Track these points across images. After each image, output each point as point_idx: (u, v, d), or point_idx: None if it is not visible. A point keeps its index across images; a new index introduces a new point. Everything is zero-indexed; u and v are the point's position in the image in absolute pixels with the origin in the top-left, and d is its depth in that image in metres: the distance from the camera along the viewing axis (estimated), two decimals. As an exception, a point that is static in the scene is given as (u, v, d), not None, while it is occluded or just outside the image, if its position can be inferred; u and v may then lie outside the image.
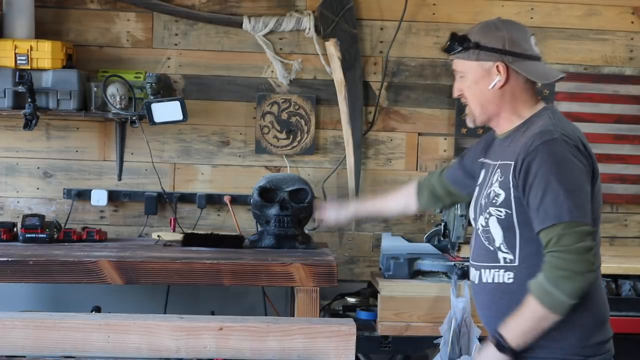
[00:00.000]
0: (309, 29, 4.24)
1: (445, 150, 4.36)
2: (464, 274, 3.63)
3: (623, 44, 4.39)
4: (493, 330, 2.45)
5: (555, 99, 4.33)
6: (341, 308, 4.00)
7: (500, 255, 2.45)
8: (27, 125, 3.87)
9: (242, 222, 4.25)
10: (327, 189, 4.32)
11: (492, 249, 2.47)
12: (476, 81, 2.53)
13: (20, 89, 3.86)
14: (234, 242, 3.87)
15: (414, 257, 3.73)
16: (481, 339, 3.53)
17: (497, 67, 2.50)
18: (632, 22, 4.38)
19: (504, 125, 2.56)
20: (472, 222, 2.62)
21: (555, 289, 2.30)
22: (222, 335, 2.17)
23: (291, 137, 4.31)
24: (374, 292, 3.89)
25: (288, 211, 3.85)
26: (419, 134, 4.36)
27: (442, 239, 3.88)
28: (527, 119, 2.51)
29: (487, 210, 2.46)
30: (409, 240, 4.16)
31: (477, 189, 2.61)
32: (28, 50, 3.93)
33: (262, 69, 4.31)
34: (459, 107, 4.31)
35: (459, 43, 2.53)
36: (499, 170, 2.47)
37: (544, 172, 2.34)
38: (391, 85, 4.35)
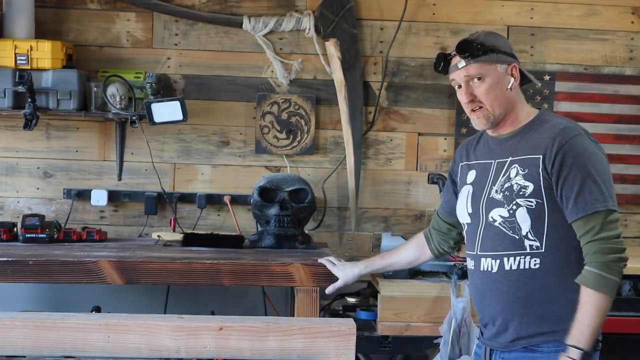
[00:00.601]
0: (309, 29, 4.24)
1: (445, 150, 4.36)
2: (464, 274, 3.63)
3: (623, 44, 4.39)
4: (509, 316, 2.66)
5: (555, 99, 4.33)
6: (341, 308, 4.00)
7: (527, 242, 2.62)
8: (27, 125, 3.87)
9: (242, 222, 4.25)
10: (327, 189, 4.32)
11: (517, 237, 2.63)
12: (497, 82, 2.69)
13: (20, 89, 3.86)
14: (234, 242, 3.87)
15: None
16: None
17: (512, 69, 2.71)
18: (632, 22, 4.38)
19: (509, 125, 2.73)
20: (471, 217, 2.76)
21: (609, 274, 2.53)
22: (222, 335, 2.17)
23: (291, 137, 4.31)
24: (374, 292, 3.89)
25: (288, 211, 3.85)
26: (419, 134, 4.36)
27: (442, 239, 3.88)
28: (534, 117, 2.72)
29: (514, 202, 2.62)
30: (409, 240, 4.15)
31: (470, 187, 2.78)
32: (28, 50, 3.93)
33: (262, 69, 4.31)
34: (459, 107, 4.30)
35: (479, 48, 2.67)
36: (516, 165, 2.64)
37: (579, 164, 2.56)
38: (391, 85, 4.35)
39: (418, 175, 4.36)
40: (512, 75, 2.71)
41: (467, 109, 2.73)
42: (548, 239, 2.61)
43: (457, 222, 2.96)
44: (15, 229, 3.90)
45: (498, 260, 2.66)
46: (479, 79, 2.68)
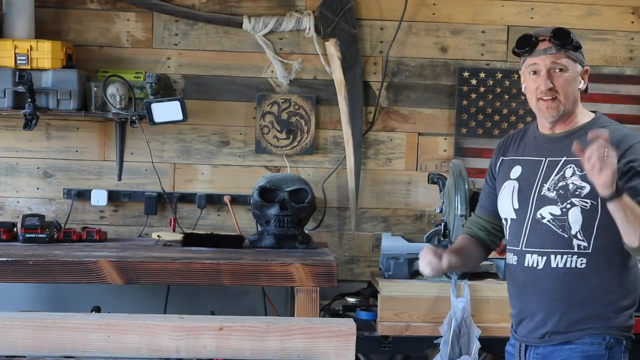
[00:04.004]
0: (309, 29, 4.24)
1: (445, 150, 4.36)
2: (464, 274, 3.63)
3: (623, 44, 4.39)
4: (550, 313, 2.68)
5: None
6: (341, 308, 4.00)
7: (575, 242, 2.66)
8: (27, 125, 3.87)
9: (242, 222, 4.25)
10: (327, 189, 4.32)
11: (566, 236, 2.66)
12: (574, 79, 2.73)
13: (20, 89, 3.86)
14: (234, 242, 3.87)
15: (414, 257, 3.71)
16: (481, 339, 3.53)
17: (585, 72, 2.79)
18: (632, 22, 4.38)
19: (566, 124, 2.75)
20: (517, 213, 2.75)
21: None
22: (222, 335, 2.17)
23: (291, 137, 4.31)
24: (374, 292, 3.89)
25: (288, 211, 3.85)
26: (419, 134, 4.36)
27: (442, 239, 3.87)
28: (592, 120, 2.77)
29: (568, 201, 2.65)
30: (409, 240, 4.15)
31: (515, 183, 2.78)
32: (28, 50, 3.93)
33: (262, 69, 4.31)
34: (459, 107, 4.31)
35: (572, 41, 2.70)
36: (572, 165, 2.66)
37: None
38: (391, 85, 4.35)
39: (418, 175, 4.36)
40: (583, 78, 2.78)
41: (539, 95, 2.71)
42: (596, 240, 2.65)
43: (500, 220, 2.89)
44: (15, 229, 3.90)
45: (545, 257, 2.68)
46: (561, 70, 2.70)
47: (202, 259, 3.49)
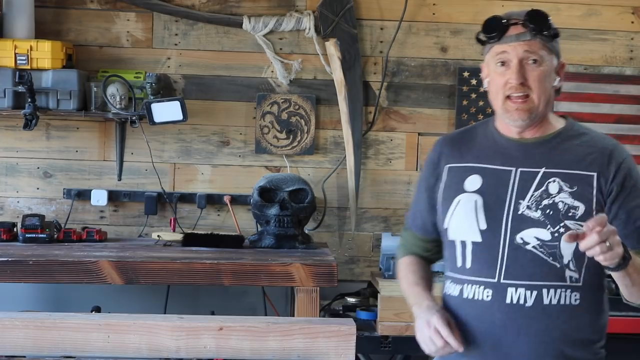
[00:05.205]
0: (309, 29, 4.24)
1: (445, 150, 4.35)
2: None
3: (623, 44, 4.39)
4: (538, 359, 2.24)
5: (555, 99, 4.31)
6: (341, 308, 4.00)
7: (568, 273, 2.23)
8: (27, 125, 3.87)
9: (242, 222, 4.25)
10: (327, 189, 4.32)
11: (558, 266, 2.23)
12: (549, 74, 2.29)
13: (20, 89, 3.86)
14: (234, 242, 3.87)
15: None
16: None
17: (562, 67, 2.35)
18: (632, 22, 4.38)
19: (537, 129, 2.32)
20: (484, 235, 2.27)
21: None
22: (222, 335, 2.17)
23: (291, 137, 4.31)
24: (374, 292, 3.89)
25: (288, 211, 3.85)
26: (419, 134, 4.36)
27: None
28: (566, 126, 2.35)
29: (561, 224, 2.21)
30: (409, 240, 4.15)
31: (477, 197, 2.29)
32: (28, 50, 3.93)
33: (262, 69, 4.31)
34: (459, 107, 4.31)
35: (550, 27, 2.28)
36: (557, 180, 2.25)
37: (639, 184, 2.27)
38: (391, 85, 4.35)
39: (418, 175, 4.35)
40: (559, 74, 2.33)
41: (507, 92, 2.25)
42: (587, 271, 2.24)
43: (438, 239, 2.43)
44: (15, 229, 3.90)
45: (535, 292, 2.22)
46: (535, 61, 2.25)
47: (202, 259, 3.49)
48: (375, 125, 4.33)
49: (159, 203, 4.25)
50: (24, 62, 3.93)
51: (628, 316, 3.67)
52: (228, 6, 4.29)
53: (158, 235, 3.97)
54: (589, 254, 2.04)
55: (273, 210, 3.86)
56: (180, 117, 3.98)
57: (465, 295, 2.29)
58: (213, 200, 4.28)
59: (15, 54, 3.93)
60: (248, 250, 3.79)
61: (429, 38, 4.35)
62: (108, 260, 3.42)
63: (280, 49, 4.30)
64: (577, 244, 2.10)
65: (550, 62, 2.29)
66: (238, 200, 4.27)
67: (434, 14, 4.34)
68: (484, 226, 2.27)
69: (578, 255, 2.20)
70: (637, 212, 2.24)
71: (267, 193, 3.91)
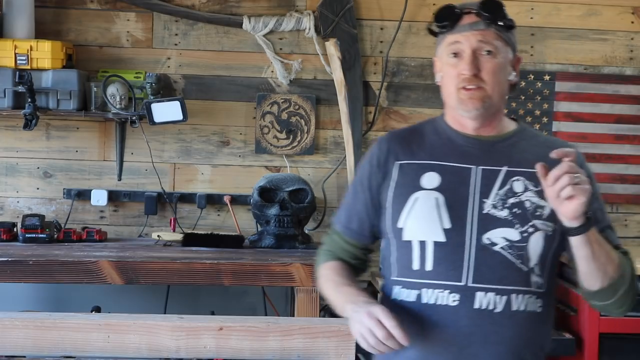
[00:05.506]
0: (309, 29, 4.24)
1: (445, 150, 4.35)
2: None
3: (623, 44, 4.39)
4: None
5: (555, 99, 4.33)
6: (341, 308, 3.99)
7: (533, 278, 2.11)
8: (27, 125, 3.87)
9: (242, 222, 4.25)
10: (327, 189, 4.32)
11: (525, 269, 2.10)
12: (504, 66, 2.16)
13: (20, 89, 3.86)
14: (234, 242, 3.87)
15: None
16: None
17: (518, 61, 2.23)
18: (632, 22, 4.38)
19: (493, 126, 2.21)
20: (448, 235, 2.12)
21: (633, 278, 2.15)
22: (222, 335, 2.17)
23: (291, 137, 4.31)
24: (374, 292, 3.89)
25: (288, 211, 3.85)
26: (419, 134, 4.36)
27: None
28: (520, 127, 2.25)
29: (530, 223, 2.11)
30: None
31: (437, 194, 2.16)
32: (28, 50, 3.93)
33: (262, 69, 4.31)
34: (459, 107, 4.31)
35: (505, 17, 2.16)
36: (522, 178, 2.13)
37: (595, 187, 2.14)
38: (391, 85, 4.35)
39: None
40: (514, 68, 2.21)
41: (460, 84, 2.17)
42: (548, 276, 2.14)
43: (370, 248, 2.30)
44: (15, 229, 3.90)
45: (504, 297, 2.08)
46: (489, 52, 2.14)
47: (202, 259, 3.49)
48: (375, 125, 4.33)
49: (159, 203, 4.25)
50: (24, 62, 3.93)
51: (628, 316, 3.67)
52: (228, 6, 4.29)
53: (158, 235, 3.97)
54: (554, 193, 1.92)
55: (273, 210, 3.86)
56: (180, 117, 3.98)
57: (425, 301, 2.12)
58: (213, 200, 4.28)
59: (15, 54, 3.93)
60: (248, 250, 3.80)
61: (429, 38, 4.30)
62: (108, 260, 3.42)
63: (280, 49, 4.30)
64: (544, 245, 2.08)
65: (505, 54, 2.17)
66: (238, 200, 4.27)
67: (434, 14, 4.33)
68: (448, 225, 2.12)
69: (543, 258, 2.10)
70: (599, 215, 2.15)
71: (267, 193, 3.91)
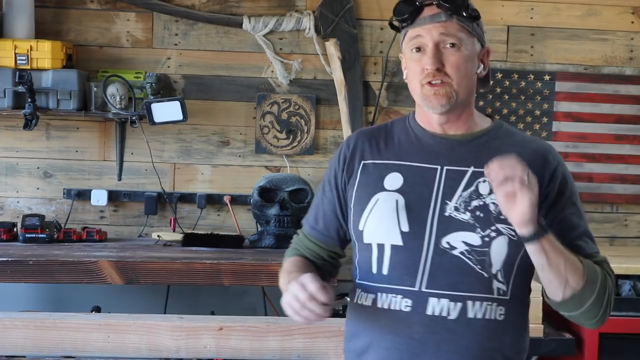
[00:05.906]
0: (309, 29, 4.24)
1: (445, 150, 4.35)
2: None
3: (623, 44, 4.39)
4: None
5: (555, 99, 4.33)
6: (341, 308, 3.99)
7: (495, 285, 2.00)
8: (27, 125, 3.87)
9: (242, 222, 4.25)
10: (327, 189, 4.32)
11: (486, 275, 1.99)
12: (471, 59, 2.05)
13: (20, 89, 3.86)
14: (234, 242, 3.87)
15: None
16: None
17: (486, 53, 2.11)
18: (632, 22, 4.38)
19: (462, 123, 2.10)
20: (405, 239, 2.03)
21: (607, 288, 2.01)
22: (222, 335, 2.17)
23: (291, 137, 4.31)
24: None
25: (288, 211, 3.86)
26: (419, 134, 4.36)
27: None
28: (495, 125, 2.14)
29: (492, 227, 1.99)
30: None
31: (398, 196, 2.06)
32: (28, 50, 3.93)
33: (262, 69, 4.31)
34: (459, 107, 4.31)
35: (468, 8, 2.04)
36: (487, 179, 1.92)
37: (574, 191, 2.06)
38: (391, 85, 4.35)
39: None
40: (483, 60, 2.09)
41: (424, 80, 2.04)
42: (514, 283, 2.01)
43: (336, 253, 2.21)
44: (15, 229, 3.90)
45: (459, 304, 1.98)
46: (453, 45, 2.02)
47: (202, 259, 3.49)
48: (375, 125, 4.33)
49: (159, 203, 4.25)
50: (24, 62, 3.93)
51: (628, 316, 3.68)
52: (228, 6, 4.29)
53: (158, 235, 3.97)
54: (501, 207, 1.85)
55: (273, 210, 3.86)
56: (180, 117, 3.98)
57: (379, 305, 2.03)
58: (213, 200, 4.28)
59: (15, 54, 3.93)
60: (248, 250, 3.80)
61: (429, 38, 4.35)
62: (108, 260, 3.42)
63: (280, 49, 4.30)
64: (508, 250, 1.98)
65: (471, 47, 2.04)
66: (238, 200, 4.27)
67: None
68: (405, 228, 2.02)
69: (508, 264, 2.00)
70: (574, 220, 2.04)
71: (267, 193, 3.91)
